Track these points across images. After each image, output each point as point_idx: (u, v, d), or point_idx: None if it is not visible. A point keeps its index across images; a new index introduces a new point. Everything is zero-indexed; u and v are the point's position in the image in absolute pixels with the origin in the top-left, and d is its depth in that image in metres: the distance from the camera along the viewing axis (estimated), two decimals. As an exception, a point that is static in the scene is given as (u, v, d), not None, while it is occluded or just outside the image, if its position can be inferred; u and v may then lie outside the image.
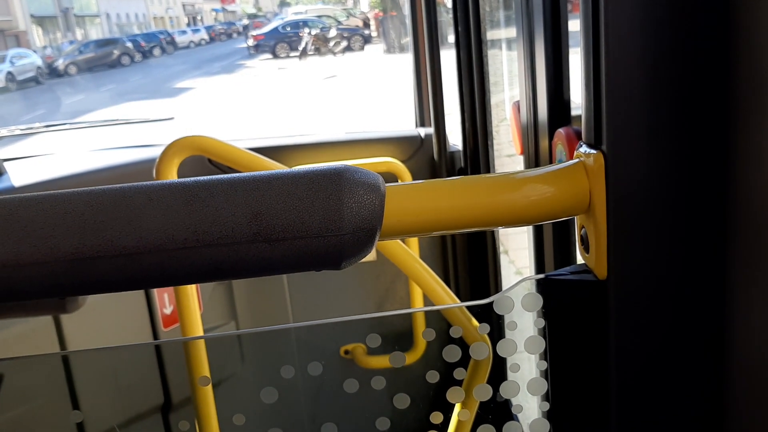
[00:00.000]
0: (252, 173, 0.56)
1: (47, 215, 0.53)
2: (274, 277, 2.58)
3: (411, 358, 2.40)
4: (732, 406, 0.61)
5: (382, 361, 2.42)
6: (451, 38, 2.25)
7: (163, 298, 2.40)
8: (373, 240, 0.56)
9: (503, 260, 2.54)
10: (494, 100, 2.26)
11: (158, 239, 0.53)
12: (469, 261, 2.48)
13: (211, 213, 0.54)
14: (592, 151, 0.59)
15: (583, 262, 0.66)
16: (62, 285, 0.55)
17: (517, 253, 3.30)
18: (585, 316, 0.64)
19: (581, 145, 0.62)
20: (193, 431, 1.75)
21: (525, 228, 1.78)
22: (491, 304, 0.67)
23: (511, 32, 1.71)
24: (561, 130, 1.32)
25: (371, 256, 2.52)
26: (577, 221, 0.65)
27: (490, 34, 2.16)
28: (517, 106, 1.67)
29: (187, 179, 0.56)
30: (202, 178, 0.56)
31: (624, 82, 0.56)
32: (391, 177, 2.34)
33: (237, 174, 0.56)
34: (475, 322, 1.40)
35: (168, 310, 2.42)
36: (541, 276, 0.65)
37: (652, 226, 0.58)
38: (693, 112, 0.56)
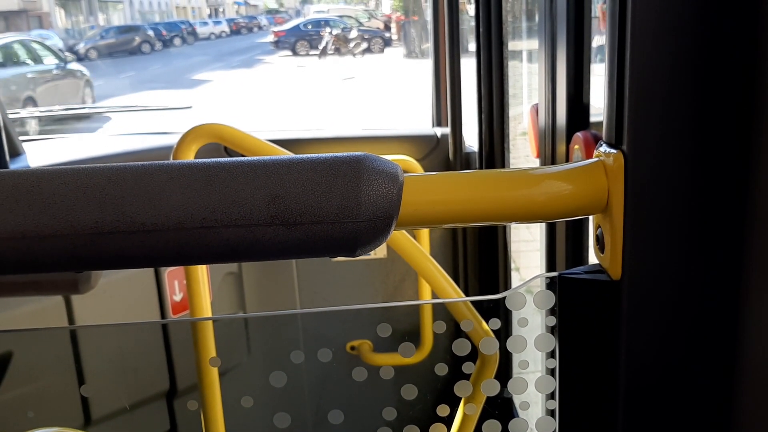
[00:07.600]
0: (272, 157, 0.57)
1: (68, 188, 0.54)
2: (283, 272, 2.59)
3: (418, 356, 2.40)
4: (742, 412, 0.61)
5: (388, 359, 2.42)
6: (470, 47, 2.25)
7: (173, 285, 2.41)
8: (389, 229, 0.57)
9: (514, 277, 2.53)
10: (512, 113, 2.26)
11: (177, 217, 0.54)
12: (479, 262, 2.47)
13: (230, 194, 0.54)
14: (612, 150, 0.59)
15: (595, 263, 0.66)
16: (81, 258, 0.55)
17: (528, 272, 3.29)
18: (597, 316, 0.64)
19: (601, 144, 0.62)
20: (200, 414, 1.76)
21: (537, 246, 1.78)
22: (503, 300, 0.67)
23: (532, 44, 1.70)
24: (579, 134, 1.32)
25: (381, 252, 2.54)
26: (594, 221, 0.65)
27: (511, 45, 2.15)
28: (535, 108, 1.66)
29: (208, 160, 0.56)
30: (222, 159, 0.56)
31: (647, 83, 0.56)
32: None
33: (257, 157, 0.57)
34: (484, 324, 1.40)
35: (178, 297, 2.43)
36: (555, 274, 0.65)
37: (669, 228, 0.58)
38: (714, 115, 0.56)
